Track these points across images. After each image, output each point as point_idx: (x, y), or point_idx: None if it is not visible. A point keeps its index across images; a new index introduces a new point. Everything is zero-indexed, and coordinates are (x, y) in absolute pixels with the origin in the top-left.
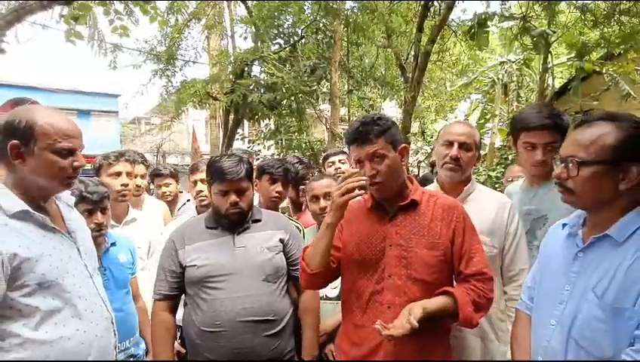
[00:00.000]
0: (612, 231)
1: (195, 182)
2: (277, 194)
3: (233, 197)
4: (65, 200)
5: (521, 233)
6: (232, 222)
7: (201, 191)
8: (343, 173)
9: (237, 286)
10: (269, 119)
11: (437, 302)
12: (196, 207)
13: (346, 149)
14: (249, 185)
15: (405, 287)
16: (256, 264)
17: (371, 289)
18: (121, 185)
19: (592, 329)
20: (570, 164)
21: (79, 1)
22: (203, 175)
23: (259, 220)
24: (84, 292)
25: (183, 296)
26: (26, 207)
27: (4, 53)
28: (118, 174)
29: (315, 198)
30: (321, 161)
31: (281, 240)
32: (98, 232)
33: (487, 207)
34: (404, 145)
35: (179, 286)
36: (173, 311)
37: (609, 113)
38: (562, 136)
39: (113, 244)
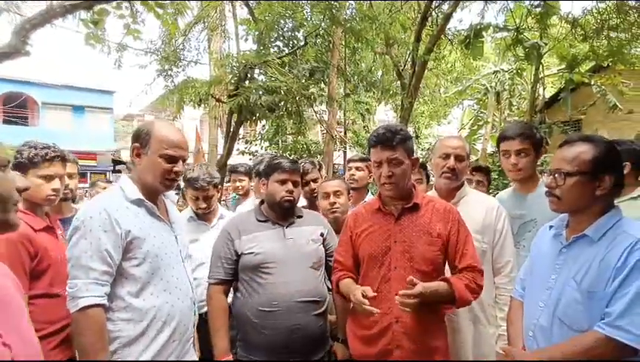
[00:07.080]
0: (589, 231)
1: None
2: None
3: (290, 186)
4: (171, 198)
5: (507, 230)
6: (283, 210)
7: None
8: (356, 180)
9: (288, 272)
10: (267, 121)
11: (434, 283)
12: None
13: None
14: (300, 183)
15: (409, 277)
16: (304, 253)
17: (380, 279)
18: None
19: (572, 309)
20: (557, 176)
21: (99, 7)
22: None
23: (301, 216)
24: (176, 271)
25: None
26: (142, 196)
27: (28, 55)
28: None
29: (326, 195)
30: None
31: (322, 234)
32: None
33: (477, 208)
34: (416, 157)
35: (233, 272)
36: (227, 294)
37: (585, 135)
38: (534, 146)
39: None
